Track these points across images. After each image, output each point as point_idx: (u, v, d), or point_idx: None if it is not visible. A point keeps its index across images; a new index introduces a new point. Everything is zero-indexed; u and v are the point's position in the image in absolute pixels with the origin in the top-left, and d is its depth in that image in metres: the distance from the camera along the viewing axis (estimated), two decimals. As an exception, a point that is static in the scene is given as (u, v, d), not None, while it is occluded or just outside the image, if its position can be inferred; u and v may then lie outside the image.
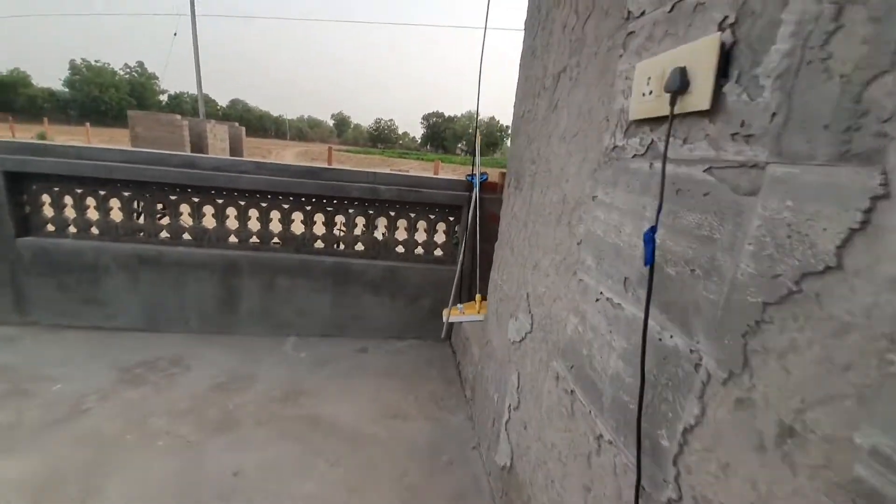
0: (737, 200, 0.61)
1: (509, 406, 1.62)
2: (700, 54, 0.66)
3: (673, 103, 0.71)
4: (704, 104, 0.65)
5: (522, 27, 1.80)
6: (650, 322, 0.77)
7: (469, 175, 2.89)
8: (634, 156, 0.89)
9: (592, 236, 1.03)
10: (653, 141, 0.83)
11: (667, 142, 0.72)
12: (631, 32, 0.91)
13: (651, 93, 0.78)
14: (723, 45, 0.63)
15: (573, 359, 1.10)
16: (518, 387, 1.53)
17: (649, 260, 0.72)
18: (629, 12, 0.92)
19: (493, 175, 2.95)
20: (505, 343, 1.74)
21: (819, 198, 0.49)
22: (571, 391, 1.10)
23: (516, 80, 1.85)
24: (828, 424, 0.47)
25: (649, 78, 0.78)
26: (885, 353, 0.42)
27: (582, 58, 1.18)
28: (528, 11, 1.76)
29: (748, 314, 0.58)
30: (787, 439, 0.52)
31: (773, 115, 0.56)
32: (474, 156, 2.92)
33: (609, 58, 1.00)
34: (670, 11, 0.78)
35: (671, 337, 0.73)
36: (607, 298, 0.95)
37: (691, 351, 0.69)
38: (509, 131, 2.27)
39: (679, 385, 0.71)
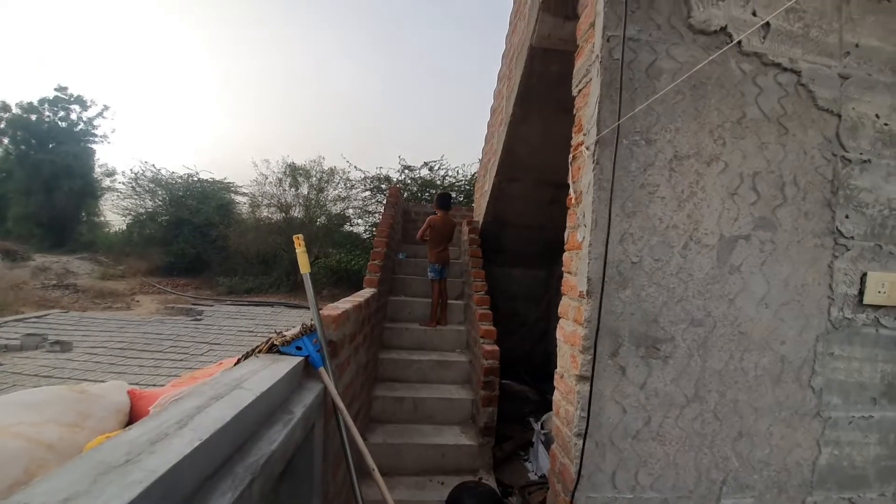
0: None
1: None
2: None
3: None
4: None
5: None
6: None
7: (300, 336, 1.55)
8: (863, 324, 1.40)
9: (835, 382, 1.45)
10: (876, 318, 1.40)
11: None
12: (844, 245, 1.45)
13: (883, 292, 1.34)
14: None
15: (837, 473, 1.47)
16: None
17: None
18: (839, 231, 1.45)
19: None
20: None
21: None
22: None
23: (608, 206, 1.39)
24: None
25: (883, 283, 1.37)
26: None
27: (777, 236, 1.45)
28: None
29: None
30: None
31: None
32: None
33: (818, 252, 1.46)
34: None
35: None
36: (861, 416, 1.44)
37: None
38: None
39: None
